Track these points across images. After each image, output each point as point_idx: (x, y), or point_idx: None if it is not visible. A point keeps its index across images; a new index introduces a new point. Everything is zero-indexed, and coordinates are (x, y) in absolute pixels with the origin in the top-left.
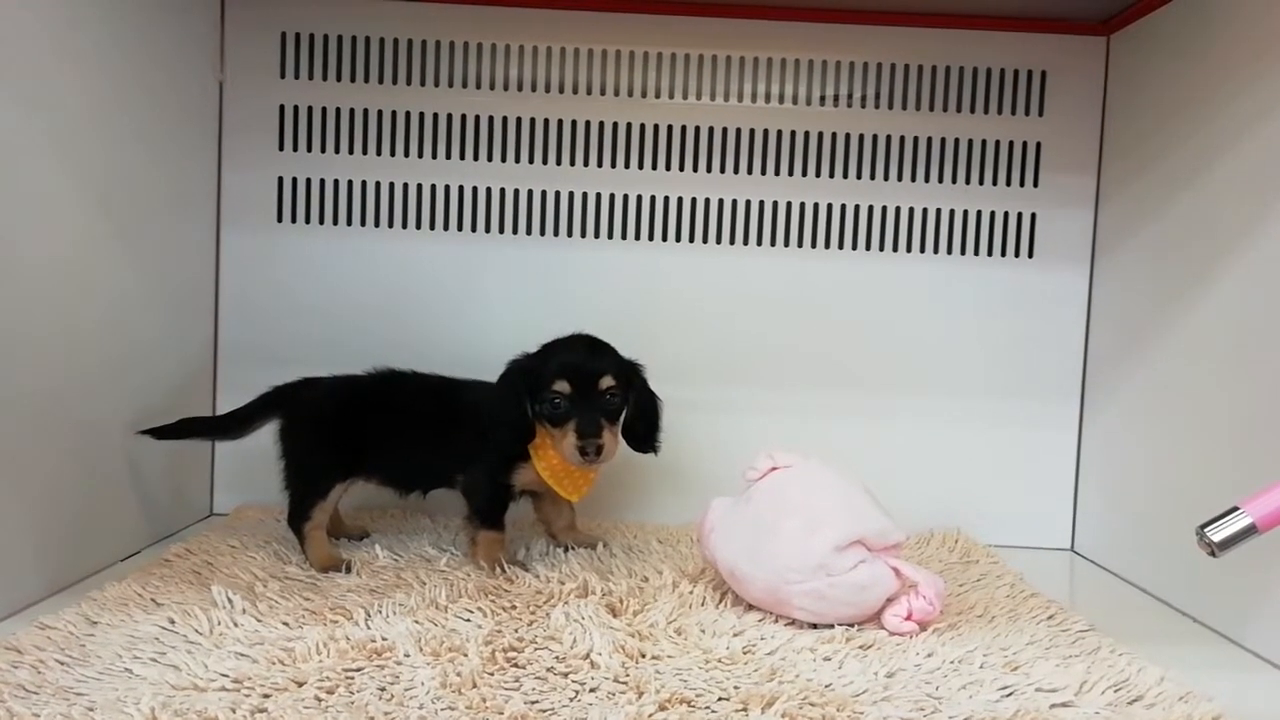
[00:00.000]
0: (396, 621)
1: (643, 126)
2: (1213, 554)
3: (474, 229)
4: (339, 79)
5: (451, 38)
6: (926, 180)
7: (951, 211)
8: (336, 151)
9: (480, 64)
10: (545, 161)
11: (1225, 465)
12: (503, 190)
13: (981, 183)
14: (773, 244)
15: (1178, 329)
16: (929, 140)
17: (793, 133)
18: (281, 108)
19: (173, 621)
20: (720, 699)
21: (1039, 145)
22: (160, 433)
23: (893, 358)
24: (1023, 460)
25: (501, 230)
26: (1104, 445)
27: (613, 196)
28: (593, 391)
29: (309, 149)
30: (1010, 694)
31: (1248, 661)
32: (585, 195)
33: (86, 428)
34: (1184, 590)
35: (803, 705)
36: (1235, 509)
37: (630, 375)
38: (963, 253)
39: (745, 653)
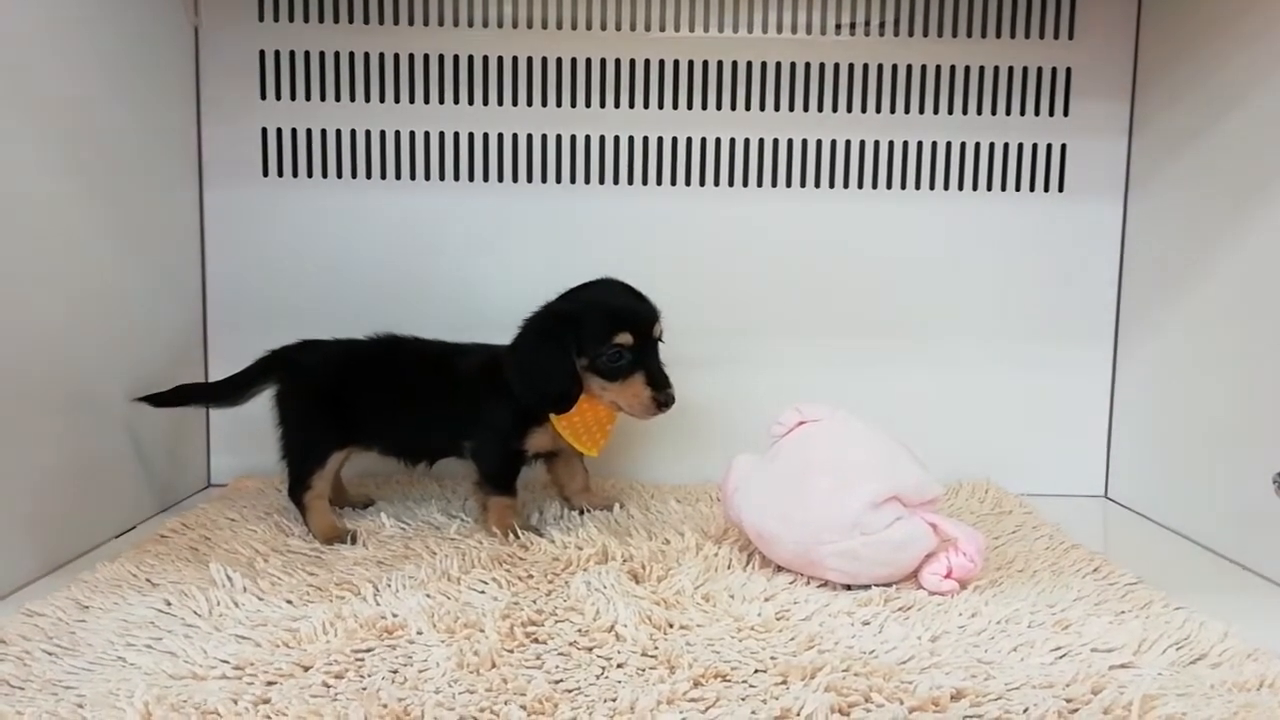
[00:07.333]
0: (407, 596)
1: (646, 63)
2: None
3: (470, 178)
4: (322, 20)
5: None
6: (950, 112)
7: (977, 145)
8: (323, 99)
9: (473, 1)
10: (545, 104)
11: (1271, 407)
12: (500, 135)
13: (1009, 113)
14: (788, 185)
15: (1217, 264)
16: (951, 69)
17: (807, 65)
18: (262, 53)
19: (169, 603)
20: (757, 671)
21: (1069, 71)
22: (156, 400)
23: (917, 301)
24: (1054, 405)
25: (500, 178)
26: (1140, 388)
27: (617, 139)
28: (649, 338)
29: (293, 97)
30: (1064, 655)
31: None
32: (589, 138)
33: (74, 397)
34: (1233, 537)
35: (846, 676)
36: None
37: None
38: (989, 188)
39: (779, 619)
